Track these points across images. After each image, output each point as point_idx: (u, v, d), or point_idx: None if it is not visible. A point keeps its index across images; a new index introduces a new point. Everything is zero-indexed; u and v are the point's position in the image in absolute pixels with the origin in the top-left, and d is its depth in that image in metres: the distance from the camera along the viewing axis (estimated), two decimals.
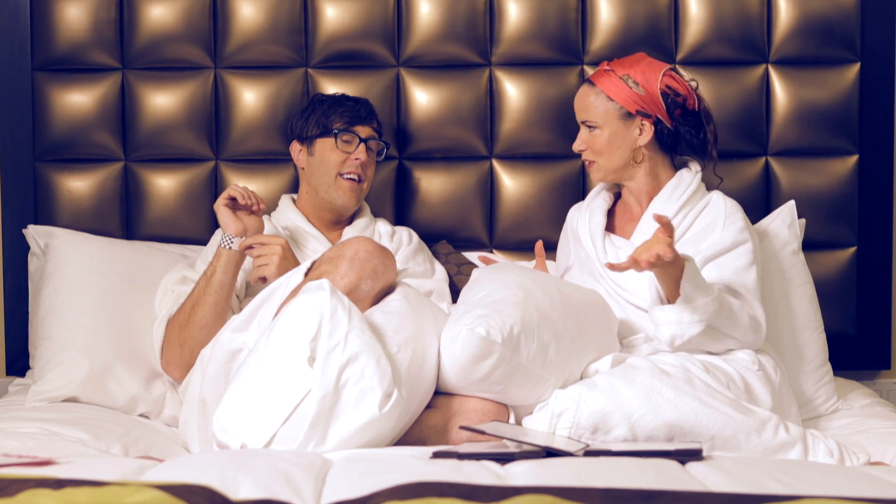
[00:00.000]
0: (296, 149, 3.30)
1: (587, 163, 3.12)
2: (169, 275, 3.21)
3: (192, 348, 3.02)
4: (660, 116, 3.04)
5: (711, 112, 3.12)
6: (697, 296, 2.80)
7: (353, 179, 3.23)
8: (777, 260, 3.26)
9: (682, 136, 3.07)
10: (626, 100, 3.03)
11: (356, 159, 3.22)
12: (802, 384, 3.17)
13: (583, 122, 3.09)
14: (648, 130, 3.05)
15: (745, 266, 2.96)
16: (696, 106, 3.07)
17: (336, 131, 3.22)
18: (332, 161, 3.23)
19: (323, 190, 3.25)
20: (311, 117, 3.27)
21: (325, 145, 3.24)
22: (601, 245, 3.08)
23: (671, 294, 2.83)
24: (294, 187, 3.46)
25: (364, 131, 3.25)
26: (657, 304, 2.85)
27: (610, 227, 3.13)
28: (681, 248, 3.00)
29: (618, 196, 3.19)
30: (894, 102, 3.52)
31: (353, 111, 3.25)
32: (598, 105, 3.06)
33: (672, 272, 2.80)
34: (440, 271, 3.32)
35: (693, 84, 3.10)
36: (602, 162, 3.08)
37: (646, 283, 3.00)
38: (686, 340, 2.82)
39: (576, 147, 3.11)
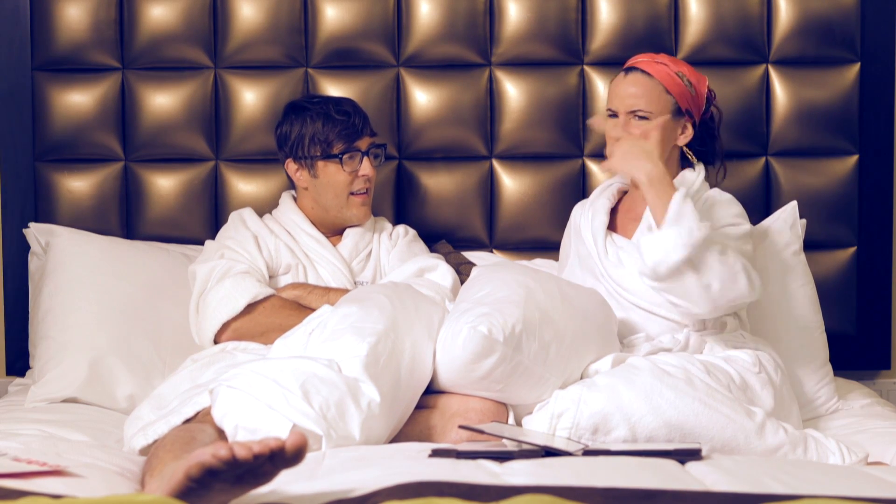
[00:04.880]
0: (292, 168, 3.24)
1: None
2: (205, 264, 3.16)
3: (263, 332, 3.05)
4: (696, 120, 3.05)
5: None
6: (685, 220, 2.77)
7: (363, 193, 3.22)
8: (778, 260, 3.26)
9: (699, 141, 3.08)
10: (681, 96, 3.02)
11: (363, 175, 3.21)
12: (803, 384, 3.17)
13: (633, 112, 3.00)
14: (689, 132, 3.04)
15: (738, 236, 2.95)
16: (712, 116, 3.09)
17: (339, 155, 3.18)
18: (340, 183, 3.20)
19: (335, 210, 3.23)
20: (303, 136, 3.19)
21: (329, 168, 3.20)
22: (602, 244, 3.07)
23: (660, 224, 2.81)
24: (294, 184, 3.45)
25: (364, 143, 3.22)
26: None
27: (612, 226, 3.13)
28: None
29: (623, 194, 3.19)
30: (894, 102, 3.52)
31: (349, 127, 3.18)
32: (655, 95, 3.01)
33: (666, 200, 2.78)
34: (443, 265, 3.28)
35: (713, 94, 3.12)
36: None
37: (645, 286, 3.00)
38: (670, 267, 2.77)
39: (616, 134, 2.99)
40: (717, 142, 3.12)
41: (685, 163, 3.12)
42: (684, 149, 3.08)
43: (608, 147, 3.02)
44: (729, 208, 3.02)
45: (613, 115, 3.03)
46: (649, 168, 2.84)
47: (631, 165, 2.85)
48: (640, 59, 3.07)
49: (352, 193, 3.21)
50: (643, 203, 3.11)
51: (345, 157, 3.18)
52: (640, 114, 3.00)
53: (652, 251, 2.80)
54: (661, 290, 2.85)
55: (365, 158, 3.20)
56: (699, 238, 2.77)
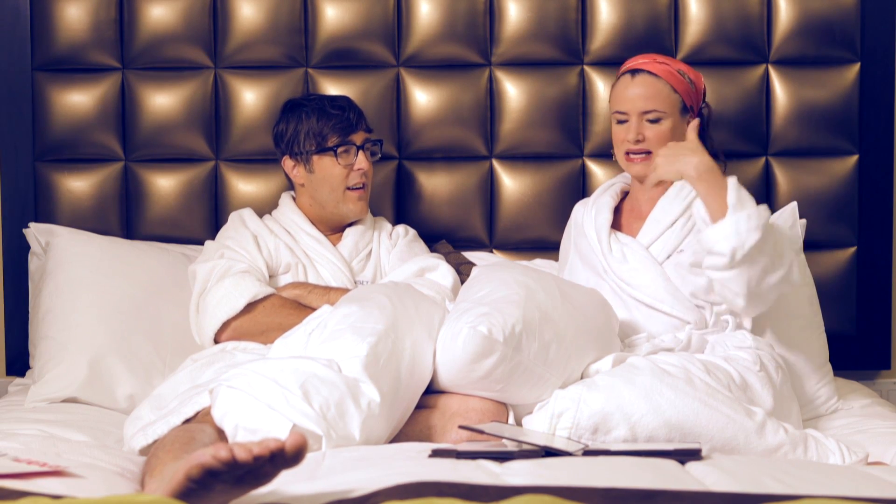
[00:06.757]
0: (289, 165, 3.25)
1: (641, 156, 3.04)
2: (205, 264, 3.16)
3: (263, 331, 3.05)
4: (695, 115, 3.06)
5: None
6: (747, 204, 2.80)
7: (359, 188, 3.22)
8: None
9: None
10: (686, 93, 3.05)
11: (359, 169, 3.21)
12: (803, 384, 3.17)
13: (645, 112, 3.02)
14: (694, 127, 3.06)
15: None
16: (701, 112, 3.10)
17: (334, 148, 3.20)
18: (336, 178, 3.21)
19: (331, 205, 3.24)
20: (299, 132, 3.21)
21: (324, 162, 3.21)
22: (606, 242, 3.07)
23: (717, 215, 2.82)
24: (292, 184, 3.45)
25: (359, 138, 3.23)
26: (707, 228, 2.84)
27: (616, 225, 3.13)
28: (688, 245, 3.01)
29: (624, 194, 3.20)
30: (894, 102, 3.52)
31: (344, 121, 3.20)
32: (665, 94, 3.04)
33: (718, 189, 2.80)
34: (443, 264, 3.29)
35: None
36: None
37: (650, 281, 3.00)
38: (747, 251, 2.78)
39: (633, 137, 3.02)
40: (710, 139, 3.12)
41: None
42: None
43: (617, 152, 3.07)
44: None
45: (623, 120, 3.05)
46: (696, 161, 2.85)
47: (679, 163, 2.86)
48: (640, 61, 3.08)
49: (348, 188, 3.22)
50: (647, 202, 3.12)
51: (339, 150, 3.19)
52: (652, 115, 3.03)
53: (726, 239, 2.79)
54: (719, 281, 2.84)
55: (360, 152, 3.21)
56: (766, 218, 2.80)
